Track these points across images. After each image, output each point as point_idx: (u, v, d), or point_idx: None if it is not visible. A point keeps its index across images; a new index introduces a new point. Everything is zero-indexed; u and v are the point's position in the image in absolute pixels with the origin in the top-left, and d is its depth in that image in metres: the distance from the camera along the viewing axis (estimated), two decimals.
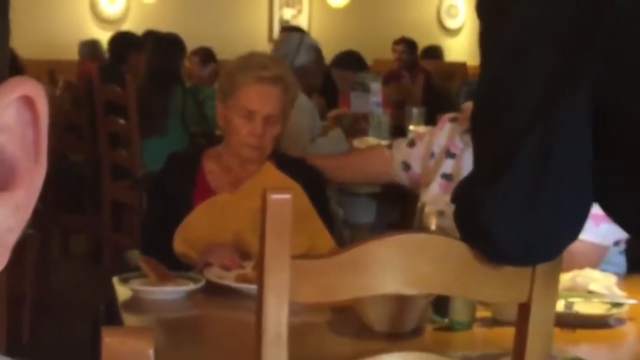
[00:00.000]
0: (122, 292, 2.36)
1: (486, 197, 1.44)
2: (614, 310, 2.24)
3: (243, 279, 2.41)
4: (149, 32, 7.17)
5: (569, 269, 2.28)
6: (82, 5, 10.03)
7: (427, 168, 2.90)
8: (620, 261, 2.74)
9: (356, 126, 5.04)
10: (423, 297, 2.06)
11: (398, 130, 5.14)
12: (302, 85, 3.26)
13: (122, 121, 5.24)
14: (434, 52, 9.80)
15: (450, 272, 1.54)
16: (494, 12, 1.47)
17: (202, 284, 2.40)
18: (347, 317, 2.16)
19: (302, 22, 10.35)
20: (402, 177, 2.99)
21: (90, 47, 8.02)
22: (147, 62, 5.73)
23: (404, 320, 2.10)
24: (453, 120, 2.90)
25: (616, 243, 2.63)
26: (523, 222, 1.42)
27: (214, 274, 2.46)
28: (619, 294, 2.31)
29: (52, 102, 5.43)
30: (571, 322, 2.14)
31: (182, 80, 5.88)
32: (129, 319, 2.22)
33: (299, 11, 10.78)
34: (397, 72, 8.08)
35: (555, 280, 1.56)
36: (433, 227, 2.20)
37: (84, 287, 5.26)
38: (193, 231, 2.68)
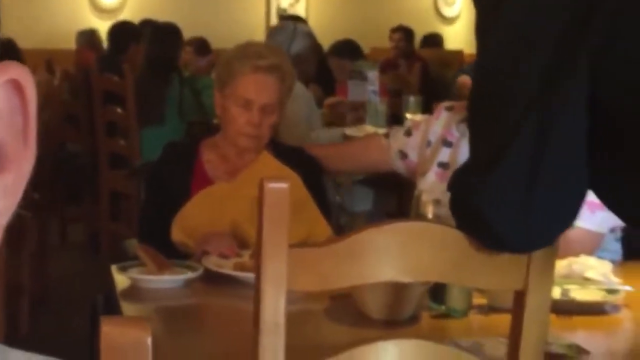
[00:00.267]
0: (121, 280, 2.37)
1: (482, 185, 1.45)
2: (610, 297, 2.25)
3: (241, 267, 2.42)
4: (147, 21, 7.17)
5: (564, 256, 2.29)
6: None
7: (424, 157, 2.90)
8: (616, 248, 2.75)
9: (353, 114, 5.04)
10: (420, 284, 2.07)
11: (395, 119, 5.15)
12: (298, 73, 3.26)
13: (119, 110, 5.24)
14: (434, 39, 9.79)
15: (447, 260, 1.55)
16: (489, 2, 1.47)
17: (200, 272, 2.41)
18: (344, 305, 2.17)
19: (300, 10, 10.33)
20: (399, 166, 3.00)
21: (87, 37, 8.00)
22: (145, 51, 5.73)
23: (401, 308, 2.11)
24: (449, 109, 2.91)
25: (612, 230, 2.65)
26: (519, 210, 1.43)
27: (212, 263, 2.47)
28: (615, 281, 2.32)
29: (50, 91, 5.42)
30: (567, 309, 2.16)
31: (180, 69, 5.88)
32: (127, 307, 2.23)
33: (297, 0, 10.76)
34: (394, 60, 8.08)
35: (551, 267, 1.57)
36: (430, 215, 2.21)
37: (82, 277, 5.26)
38: (191, 220, 2.68)
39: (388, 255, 1.51)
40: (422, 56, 8.29)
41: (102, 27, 7.77)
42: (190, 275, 2.39)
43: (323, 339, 2.10)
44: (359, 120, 4.95)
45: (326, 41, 6.58)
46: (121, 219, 5.63)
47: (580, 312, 2.19)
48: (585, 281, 2.30)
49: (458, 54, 9.35)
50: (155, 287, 2.37)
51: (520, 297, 1.57)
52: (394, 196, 4.77)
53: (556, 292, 2.11)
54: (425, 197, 2.29)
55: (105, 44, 7.19)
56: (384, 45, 8.82)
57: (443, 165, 2.82)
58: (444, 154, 2.84)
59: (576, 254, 2.39)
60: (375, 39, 9.35)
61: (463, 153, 2.67)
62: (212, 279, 2.41)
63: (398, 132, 3.05)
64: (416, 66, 7.59)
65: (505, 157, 1.41)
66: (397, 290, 2.07)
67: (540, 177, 1.40)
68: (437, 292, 2.16)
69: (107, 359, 1.01)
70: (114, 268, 2.42)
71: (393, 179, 3.48)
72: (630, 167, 1.38)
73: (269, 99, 2.76)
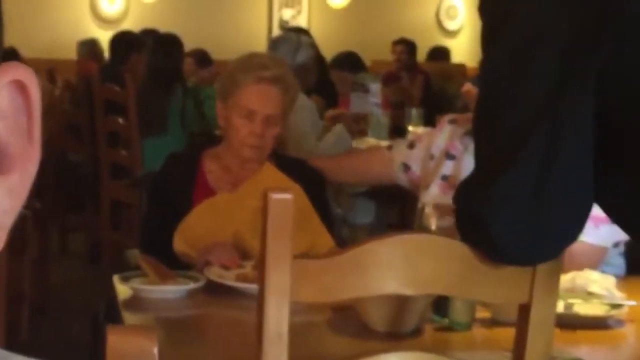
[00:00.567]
0: (123, 290, 2.37)
1: (487, 197, 1.44)
2: (614, 312, 2.24)
3: (243, 278, 2.41)
4: (148, 31, 7.18)
5: (568, 270, 2.29)
6: (82, 4, 10.03)
7: (427, 170, 2.90)
8: (620, 263, 2.74)
9: (355, 126, 5.04)
10: (423, 297, 2.07)
11: (397, 131, 5.15)
12: (300, 83, 3.26)
13: (121, 121, 5.24)
14: (441, 53, 9.78)
15: (451, 273, 1.54)
16: (496, 11, 1.47)
17: (202, 283, 2.40)
18: (347, 316, 2.17)
19: (302, 22, 10.35)
20: (402, 178, 2.99)
21: (89, 47, 8.01)
22: (146, 61, 5.73)
23: (404, 321, 2.11)
24: (452, 122, 2.91)
25: (615, 244, 2.64)
26: (525, 223, 1.42)
27: (214, 273, 2.46)
28: (618, 296, 2.31)
29: (52, 101, 5.42)
30: (571, 322, 2.15)
31: (184, 80, 5.88)
32: (129, 317, 2.23)
33: (299, 12, 10.78)
34: (396, 73, 8.09)
35: (555, 281, 1.57)
36: (433, 227, 2.21)
37: (83, 286, 5.26)
38: (193, 230, 2.68)
39: (391, 268, 1.50)
40: (424, 69, 8.30)
41: (104, 37, 7.78)
42: (192, 285, 2.39)
43: (326, 350, 2.09)
44: (361, 133, 4.95)
45: (328, 53, 6.59)
46: (122, 228, 5.62)
47: (584, 326, 2.18)
48: (588, 295, 2.30)
49: (460, 67, 9.36)
50: (157, 298, 2.36)
51: (524, 311, 1.56)
52: (395, 208, 4.77)
53: (560, 306, 2.10)
54: (428, 210, 2.29)
55: (106, 54, 7.20)
56: (386, 58, 8.84)
57: (446, 178, 2.82)
58: (448, 167, 2.83)
59: (580, 268, 2.38)
60: (376, 51, 9.37)
61: (466, 166, 2.67)
62: (214, 290, 2.40)
63: (401, 145, 3.05)
64: (418, 79, 7.60)
65: (511, 168, 1.41)
66: (400, 302, 2.07)
67: (547, 189, 1.39)
68: (441, 304, 2.15)
69: None
70: (115, 278, 2.41)
71: (395, 192, 3.48)
72: (635, 180, 1.38)
73: (272, 109, 2.76)
